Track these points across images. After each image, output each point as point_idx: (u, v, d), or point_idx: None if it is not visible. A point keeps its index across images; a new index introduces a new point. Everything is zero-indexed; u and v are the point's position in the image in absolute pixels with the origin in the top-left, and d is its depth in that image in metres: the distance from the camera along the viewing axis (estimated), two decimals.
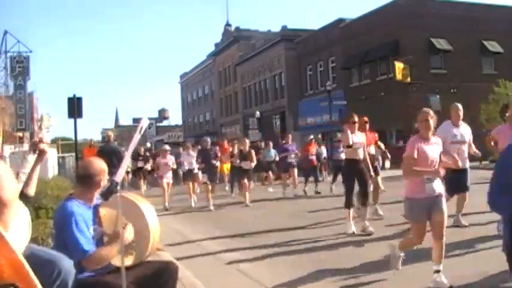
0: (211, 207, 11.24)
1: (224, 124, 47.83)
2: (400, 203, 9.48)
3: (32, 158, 2.96)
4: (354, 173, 7.34)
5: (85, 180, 3.08)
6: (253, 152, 12.48)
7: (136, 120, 51.68)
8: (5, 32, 23.81)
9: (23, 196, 2.76)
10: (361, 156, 7.43)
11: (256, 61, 40.64)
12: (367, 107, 27.23)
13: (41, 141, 2.98)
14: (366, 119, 8.57)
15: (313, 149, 14.05)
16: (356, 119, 7.54)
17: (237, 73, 44.75)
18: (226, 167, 16.13)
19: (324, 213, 9.53)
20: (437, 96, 25.52)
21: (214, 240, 7.40)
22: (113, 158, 9.00)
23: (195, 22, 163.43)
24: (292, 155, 13.58)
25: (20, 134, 24.68)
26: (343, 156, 12.93)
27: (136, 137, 3.03)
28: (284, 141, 14.53)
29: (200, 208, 11.68)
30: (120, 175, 2.94)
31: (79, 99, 15.28)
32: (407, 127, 23.87)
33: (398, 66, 24.97)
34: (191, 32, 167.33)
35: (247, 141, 12.92)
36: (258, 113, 36.90)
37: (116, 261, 2.98)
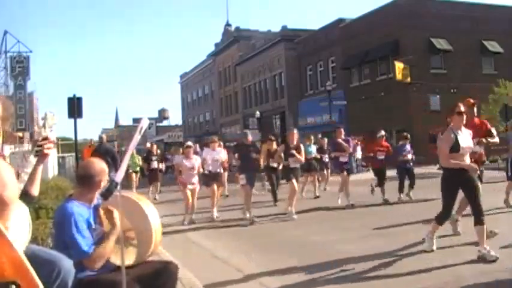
0: (248, 215, 9.06)
1: (224, 124, 47.83)
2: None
3: (33, 158, 2.96)
4: (457, 184, 5.36)
5: (85, 180, 3.07)
6: (302, 147, 10.07)
7: (136, 120, 51.73)
8: (5, 32, 23.84)
9: (27, 196, 2.75)
10: (468, 163, 5.37)
11: (256, 61, 40.64)
12: (367, 107, 27.31)
13: (44, 139, 2.96)
14: (471, 101, 6.52)
15: (383, 147, 11.33)
16: (462, 108, 5.45)
17: (237, 73, 44.75)
18: None
19: (398, 230, 7.42)
20: (437, 96, 25.56)
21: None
22: (107, 158, 9.43)
23: (195, 22, 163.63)
24: (346, 154, 11.07)
25: (20, 134, 24.68)
26: (409, 157, 11.14)
27: (136, 137, 3.04)
28: (336, 137, 11.44)
29: (225, 221, 9.38)
30: (120, 175, 2.95)
31: (79, 99, 15.31)
32: (407, 127, 23.90)
33: (398, 66, 24.98)
34: (191, 32, 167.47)
35: (296, 132, 10.01)
36: (258, 113, 36.90)
37: (117, 261, 2.98)
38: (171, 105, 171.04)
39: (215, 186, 9.70)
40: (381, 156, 11.17)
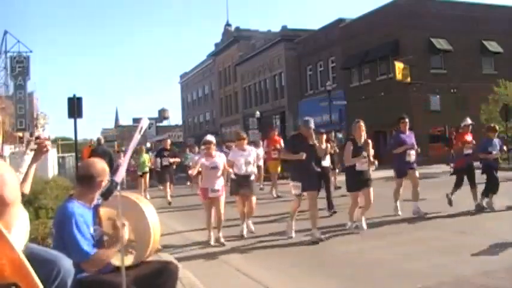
0: (292, 234, 6.98)
1: (224, 124, 47.83)
2: None
3: (28, 157, 2.96)
4: None
5: (86, 180, 3.07)
6: (371, 143, 7.69)
7: (136, 120, 51.77)
8: (5, 32, 23.78)
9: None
10: None
11: (256, 61, 40.64)
12: (367, 107, 27.28)
13: (37, 138, 2.98)
14: None
15: (470, 138, 9.01)
16: None
17: (237, 73, 44.75)
18: (274, 166, 12.75)
19: None
20: (437, 96, 25.55)
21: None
22: (104, 159, 9.40)
23: (195, 22, 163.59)
24: (412, 152, 8.59)
25: (20, 134, 24.66)
26: (497, 153, 8.93)
27: (137, 137, 3.04)
28: (398, 129, 9.04)
29: (262, 239, 7.13)
30: (120, 175, 2.95)
31: (79, 99, 15.29)
32: None
33: (398, 66, 24.97)
34: (191, 32, 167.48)
35: (363, 124, 7.54)
36: (258, 113, 36.89)
37: (116, 261, 2.98)
38: (171, 105, 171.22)
39: (245, 194, 7.50)
40: (468, 151, 8.83)
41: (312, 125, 6.84)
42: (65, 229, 2.87)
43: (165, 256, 5.43)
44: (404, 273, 4.88)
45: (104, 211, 3.14)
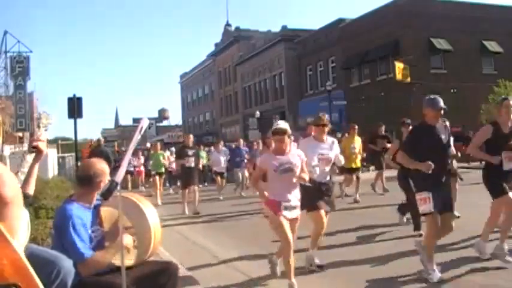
0: (436, 276, 4.54)
1: (224, 124, 47.84)
2: None
3: (30, 157, 2.96)
4: None
5: (85, 181, 3.06)
6: None
7: (136, 120, 51.76)
8: (5, 32, 23.75)
9: (22, 196, 2.74)
10: None
11: (256, 61, 40.65)
12: (367, 107, 27.30)
13: (38, 139, 2.97)
14: None
15: None
16: None
17: (237, 73, 44.77)
18: None
19: None
20: (437, 96, 25.57)
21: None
22: (101, 158, 9.31)
23: (195, 22, 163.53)
24: None
25: (20, 134, 24.66)
26: None
27: (136, 137, 3.04)
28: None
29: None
30: (120, 175, 2.94)
31: (79, 99, 15.31)
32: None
33: (399, 66, 24.97)
34: (191, 32, 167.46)
35: None
36: (258, 113, 36.90)
37: (116, 261, 2.98)
38: (171, 105, 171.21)
39: (323, 212, 5.11)
40: None
41: (443, 105, 4.84)
42: (63, 230, 2.87)
43: (165, 256, 5.43)
44: (404, 273, 4.87)
45: (104, 211, 3.14)
